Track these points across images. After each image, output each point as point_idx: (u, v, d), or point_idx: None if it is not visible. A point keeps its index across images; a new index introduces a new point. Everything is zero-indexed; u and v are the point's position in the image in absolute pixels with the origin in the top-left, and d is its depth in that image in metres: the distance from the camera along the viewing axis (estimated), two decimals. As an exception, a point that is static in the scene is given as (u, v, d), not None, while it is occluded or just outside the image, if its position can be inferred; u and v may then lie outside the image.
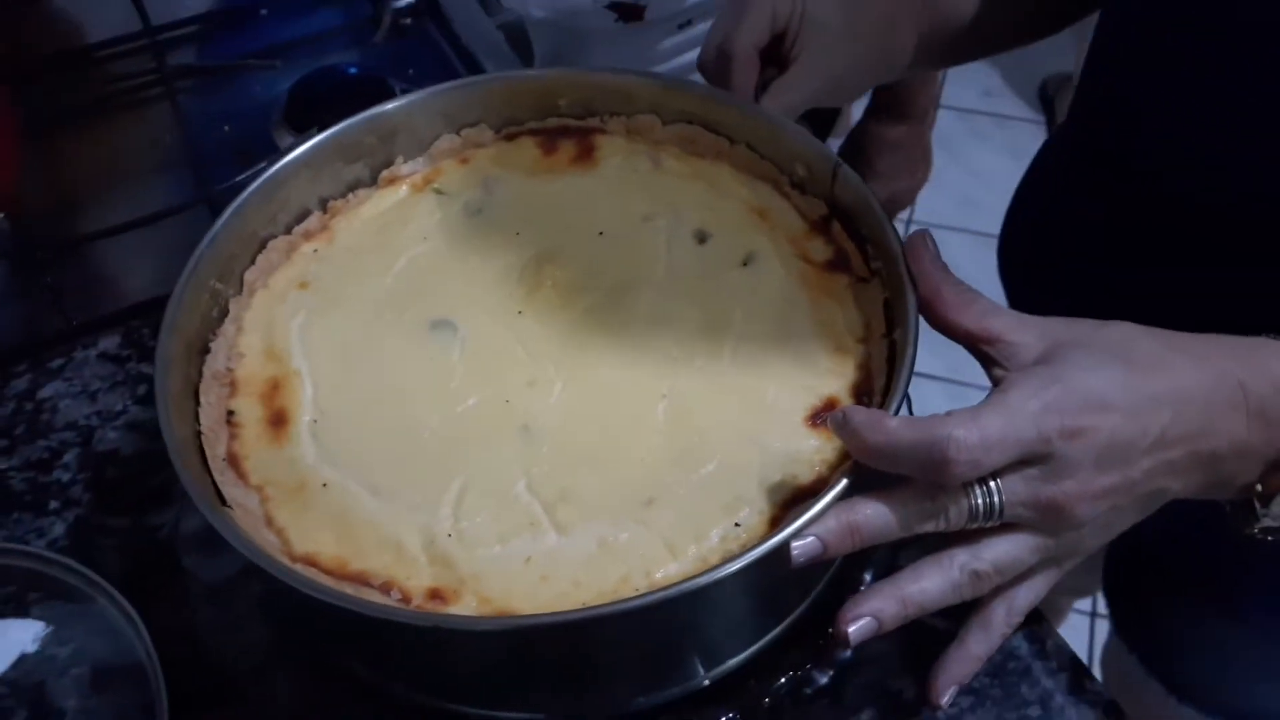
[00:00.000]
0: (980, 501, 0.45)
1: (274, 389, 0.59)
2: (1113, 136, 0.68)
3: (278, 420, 0.58)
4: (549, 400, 0.57)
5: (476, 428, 0.56)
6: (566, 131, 0.71)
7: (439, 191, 0.68)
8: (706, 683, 0.55)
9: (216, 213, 0.85)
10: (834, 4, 0.64)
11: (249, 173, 0.87)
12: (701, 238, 0.64)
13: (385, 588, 0.50)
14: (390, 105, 0.69)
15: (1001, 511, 0.45)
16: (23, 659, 0.58)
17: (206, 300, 0.61)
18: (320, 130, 0.89)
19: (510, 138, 0.71)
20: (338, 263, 0.65)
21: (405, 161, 0.70)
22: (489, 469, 0.54)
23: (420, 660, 0.54)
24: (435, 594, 0.50)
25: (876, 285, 0.59)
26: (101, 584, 0.60)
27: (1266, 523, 0.49)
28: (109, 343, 0.76)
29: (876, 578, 0.59)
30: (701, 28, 1.12)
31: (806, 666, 0.56)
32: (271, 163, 0.85)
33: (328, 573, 0.51)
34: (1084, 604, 1.67)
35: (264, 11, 1.08)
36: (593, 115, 0.71)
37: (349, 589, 0.50)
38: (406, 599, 0.50)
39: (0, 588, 0.63)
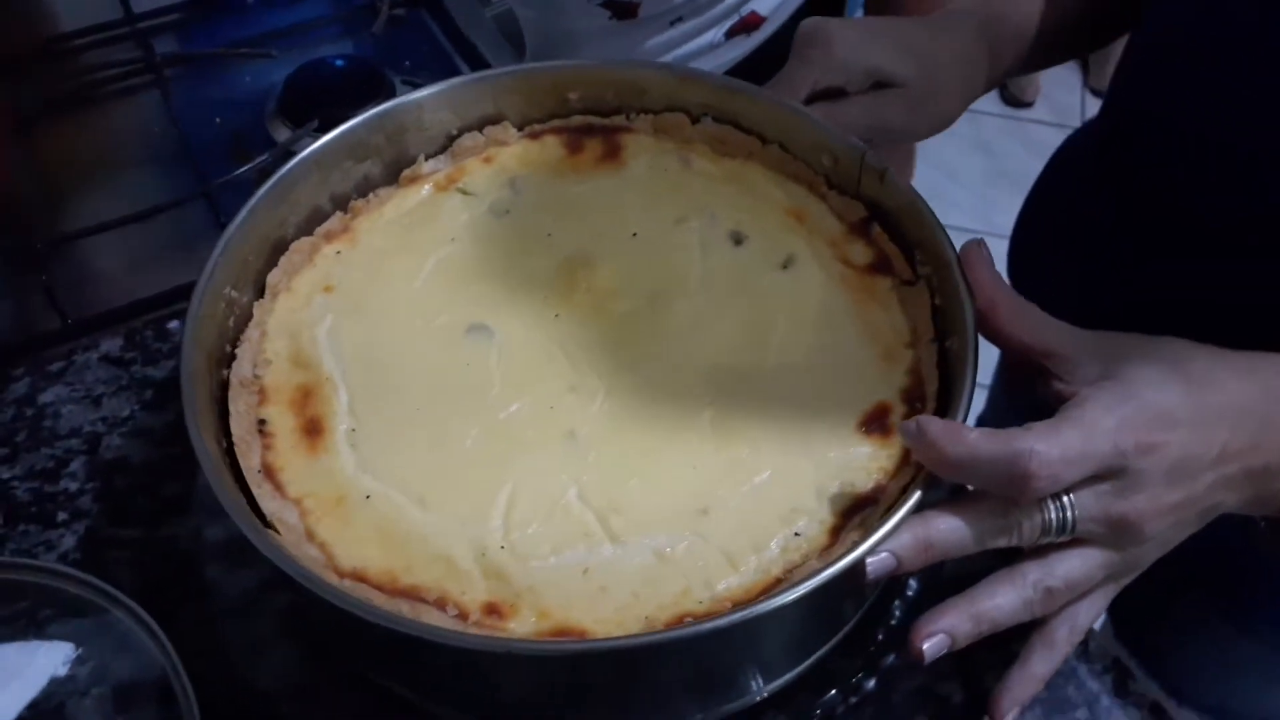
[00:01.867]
0: (1054, 516, 0.45)
1: (305, 396, 0.57)
2: (1140, 146, 0.68)
3: (312, 429, 0.56)
4: (593, 407, 0.56)
5: (520, 435, 0.55)
6: (591, 130, 0.69)
7: (464, 192, 0.67)
8: (761, 697, 0.54)
9: (215, 207, 0.84)
10: (910, 61, 0.64)
11: (249, 167, 0.85)
12: (738, 239, 0.63)
13: (440, 603, 0.49)
14: (398, 101, 0.67)
15: (1074, 527, 0.45)
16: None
17: (223, 309, 0.59)
18: (320, 124, 0.88)
19: (535, 136, 0.69)
20: (362, 265, 0.63)
21: (427, 160, 0.68)
22: (537, 478, 0.53)
23: (473, 681, 0.53)
24: (492, 609, 0.49)
25: (922, 289, 0.58)
26: (121, 598, 0.58)
27: None
28: (111, 345, 0.73)
29: (922, 585, 0.58)
30: (693, 23, 1.11)
31: (858, 675, 0.55)
32: (276, 160, 0.83)
33: (378, 588, 0.49)
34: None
35: (248, 0, 1.05)
36: (607, 109, 0.70)
37: (404, 606, 0.48)
38: (463, 615, 0.48)
39: (11, 605, 0.60)
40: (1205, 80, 0.61)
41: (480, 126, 0.69)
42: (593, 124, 0.69)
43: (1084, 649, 0.58)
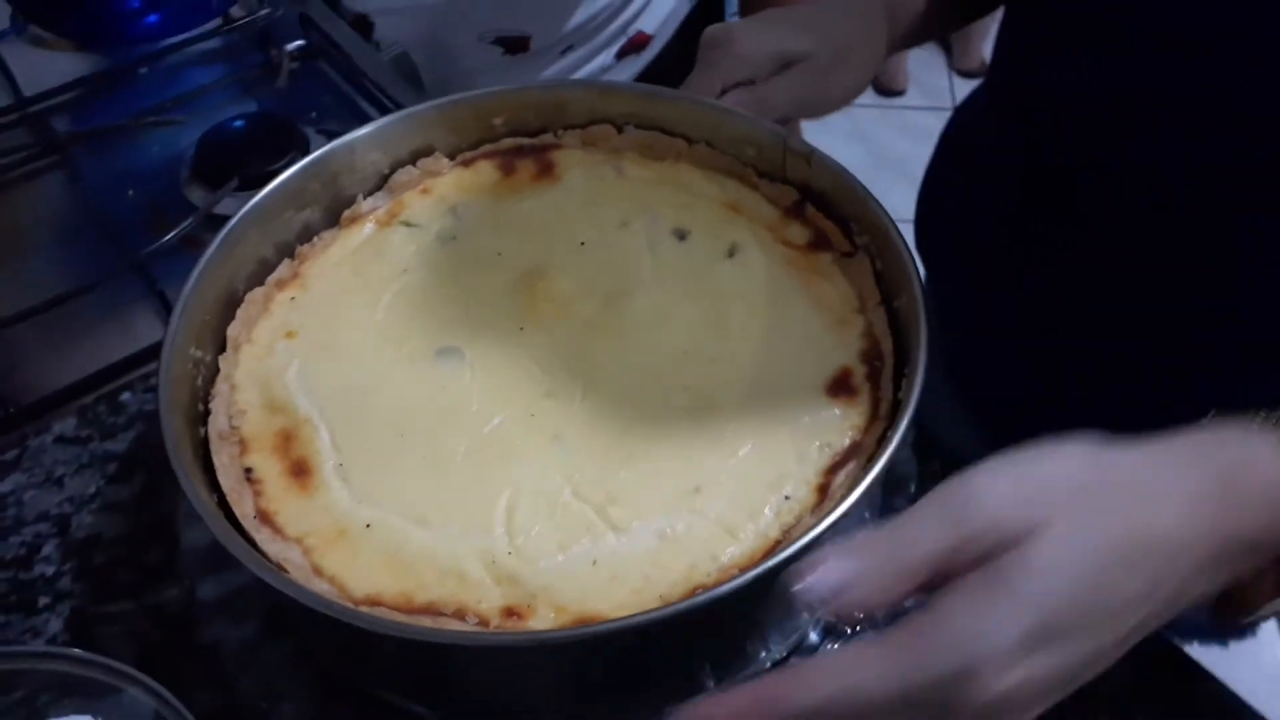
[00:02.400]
0: None
1: (286, 440, 0.57)
2: (1028, 109, 0.72)
3: (299, 471, 0.56)
4: (572, 409, 0.58)
5: (508, 445, 0.56)
6: (522, 151, 0.71)
7: (408, 224, 0.68)
8: (770, 664, 0.56)
9: (148, 277, 0.83)
10: (811, 36, 0.67)
11: (174, 234, 0.85)
12: (681, 235, 0.66)
13: (459, 614, 0.50)
14: (330, 147, 0.68)
15: None
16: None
17: (190, 369, 0.59)
18: (240, 182, 0.88)
19: (467, 164, 0.71)
20: (320, 307, 0.64)
21: (365, 198, 0.69)
22: (531, 482, 0.55)
23: (501, 687, 0.54)
24: (511, 612, 0.50)
25: (862, 258, 0.62)
26: (124, 669, 0.57)
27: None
28: (64, 425, 0.72)
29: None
30: (583, 50, 1.14)
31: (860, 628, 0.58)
32: (200, 223, 0.83)
33: (394, 609, 0.50)
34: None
35: (143, 70, 1.04)
36: (532, 130, 0.72)
37: (425, 621, 0.49)
38: (484, 622, 0.50)
39: (4, 696, 0.58)
40: (1077, 31, 0.65)
41: (413, 160, 0.70)
42: (522, 145, 0.72)
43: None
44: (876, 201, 0.60)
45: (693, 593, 0.50)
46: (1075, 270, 0.70)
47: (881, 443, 0.53)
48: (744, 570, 0.49)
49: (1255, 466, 0.43)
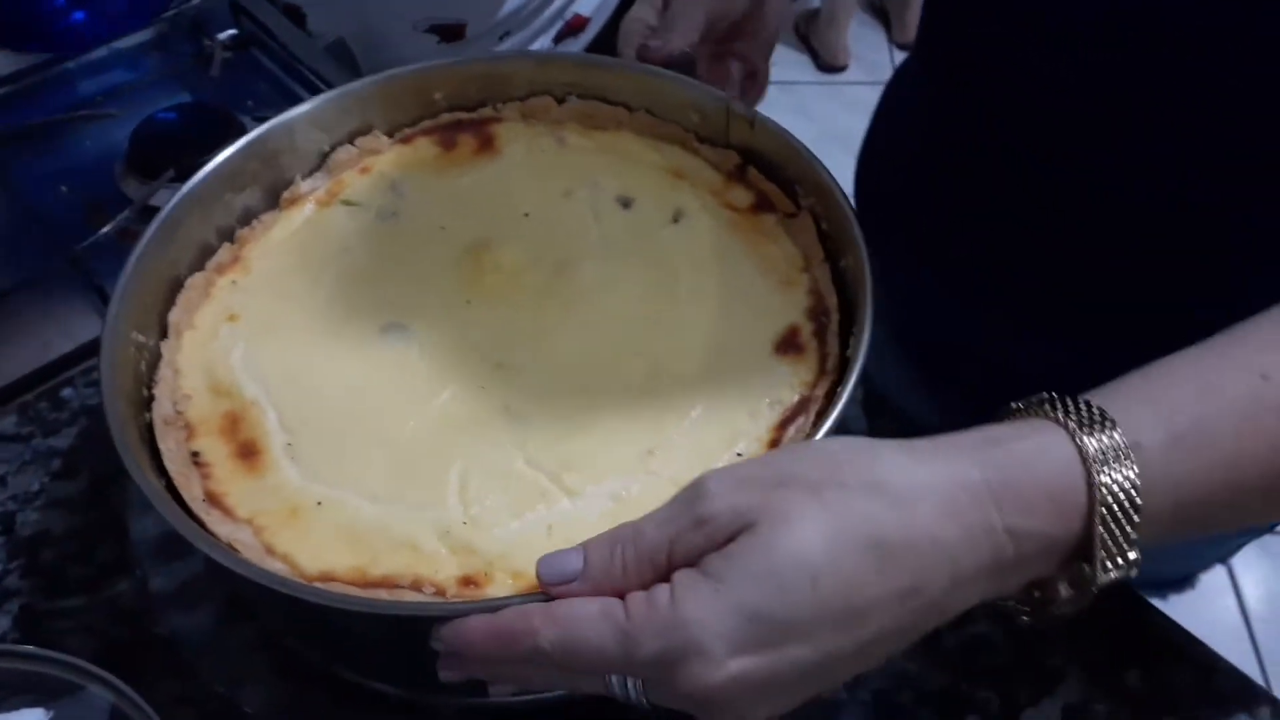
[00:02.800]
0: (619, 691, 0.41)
1: (233, 423, 0.57)
2: (954, 74, 0.73)
3: (247, 452, 0.55)
4: (523, 379, 0.58)
5: (458, 418, 0.56)
6: (461, 125, 0.71)
7: (348, 203, 0.67)
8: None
9: (85, 271, 0.81)
10: None
11: (110, 227, 0.84)
12: (625, 203, 0.66)
13: (415, 586, 0.50)
14: (268, 125, 0.67)
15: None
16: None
17: (134, 354, 0.58)
18: (176, 173, 0.87)
19: (406, 140, 0.70)
20: (261, 290, 0.63)
21: (304, 179, 0.68)
22: (483, 453, 0.55)
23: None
24: (467, 580, 0.50)
25: (805, 218, 0.62)
26: (82, 666, 0.56)
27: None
28: (4, 424, 0.70)
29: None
30: (520, 36, 1.14)
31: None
32: (137, 215, 0.82)
33: (350, 584, 0.50)
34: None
35: (71, 65, 1.02)
36: (472, 104, 0.71)
37: (382, 594, 0.49)
38: (441, 592, 0.49)
39: (-46, 698, 0.57)
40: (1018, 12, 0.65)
41: (351, 139, 0.70)
42: (461, 119, 0.71)
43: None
44: (820, 163, 0.60)
45: (650, 552, 0.50)
46: (1009, 232, 0.71)
47: (831, 398, 0.53)
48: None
49: (1036, 463, 0.40)
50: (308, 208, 0.67)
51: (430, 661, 0.45)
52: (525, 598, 0.48)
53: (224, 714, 0.56)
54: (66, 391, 0.72)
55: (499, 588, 0.50)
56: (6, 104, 0.99)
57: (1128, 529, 0.40)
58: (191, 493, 0.53)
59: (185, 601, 0.59)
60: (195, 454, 0.55)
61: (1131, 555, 0.40)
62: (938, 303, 0.80)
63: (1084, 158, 0.64)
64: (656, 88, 0.67)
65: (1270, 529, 0.82)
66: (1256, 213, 0.60)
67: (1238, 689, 0.58)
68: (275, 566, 0.51)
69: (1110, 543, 0.40)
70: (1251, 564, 1.67)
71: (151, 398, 0.57)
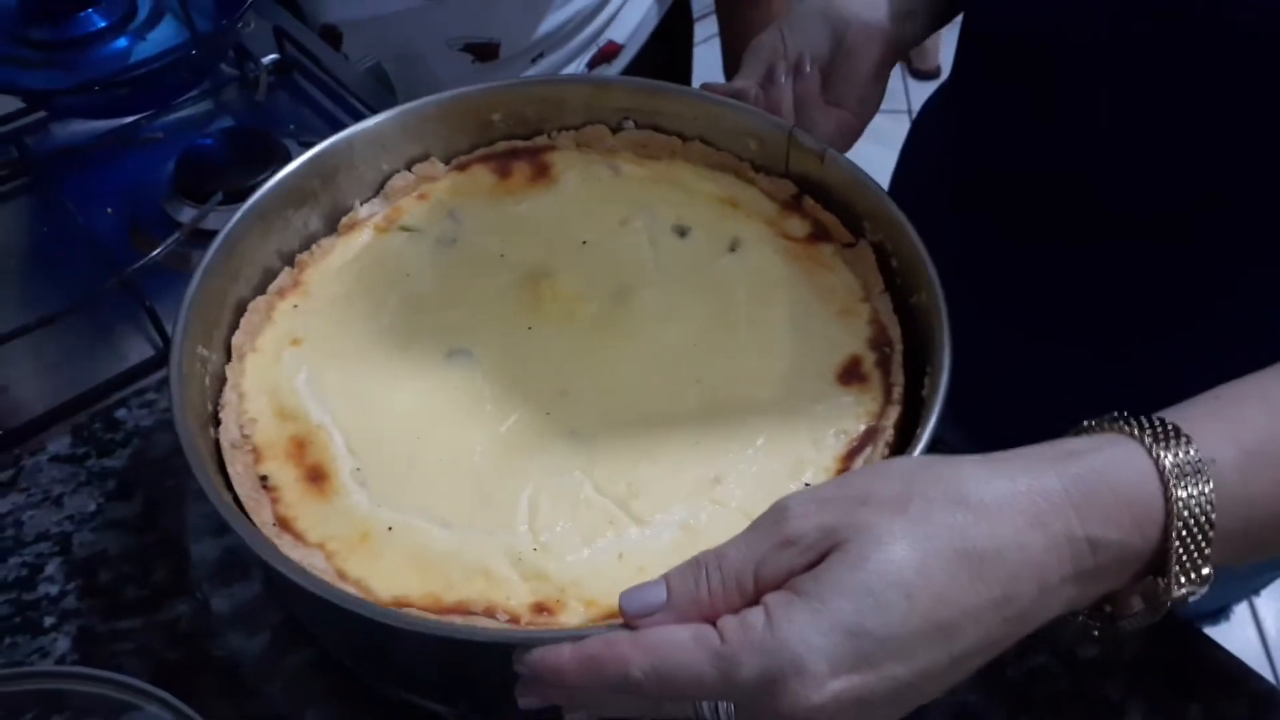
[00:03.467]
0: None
1: (300, 447, 0.57)
2: (989, 103, 0.74)
3: (316, 476, 0.56)
4: (586, 405, 0.58)
5: (525, 443, 0.57)
6: (517, 153, 0.72)
7: (406, 229, 0.68)
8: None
9: (138, 293, 0.82)
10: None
11: (161, 249, 0.84)
12: (681, 232, 0.66)
13: (488, 612, 0.50)
14: (328, 143, 0.68)
15: None
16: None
17: (199, 369, 0.59)
18: (224, 196, 0.87)
19: (462, 168, 0.71)
20: (324, 314, 0.64)
21: (362, 205, 0.69)
22: (551, 479, 0.55)
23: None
24: (540, 608, 0.50)
25: (865, 248, 0.63)
26: (142, 687, 0.56)
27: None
28: (59, 445, 0.71)
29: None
30: (553, 58, 1.15)
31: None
32: (187, 238, 0.83)
33: (425, 610, 0.50)
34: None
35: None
36: (528, 129, 0.72)
37: (456, 620, 0.49)
38: (515, 619, 0.50)
39: (15, 718, 0.57)
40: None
41: (408, 165, 0.70)
42: (517, 148, 0.72)
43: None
44: (889, 197, 0.61)
45: (720, 581, 0.50)
46: (1042, 258, 0.72)
47: (909, 430, 0.53)
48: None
49: (1114, 475, 0.40)
50: (366, 233, 0.68)
51: (499, 687, 0.45)
52: (609, 627, 0.48)
53: (287, 737, 0.56)
54: (120, 412, 0.73)
55: (571, 615, 0.50)
56: (37, 130, 1.00)
57: (1203, 544, 0.40)
58: (262, 517, 0.54)
59: (245, 624, 0.60)
60: (263, 478, 0.56)
61: (1205, 571, 0.41)
62: (974, 332, 0.81)
63: (1118, 185, 0.65)
64: (715, 114, 0.68)
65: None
66: None
67: (1297, 722, 0.58)
68: (348, 591, 0.51)
69: (1185, 558, 0.40)
70: (1273, 596, 1.67)
71: (217, 420, 0.58)
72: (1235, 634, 1.65)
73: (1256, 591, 1.29)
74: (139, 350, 0.78)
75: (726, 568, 0.41)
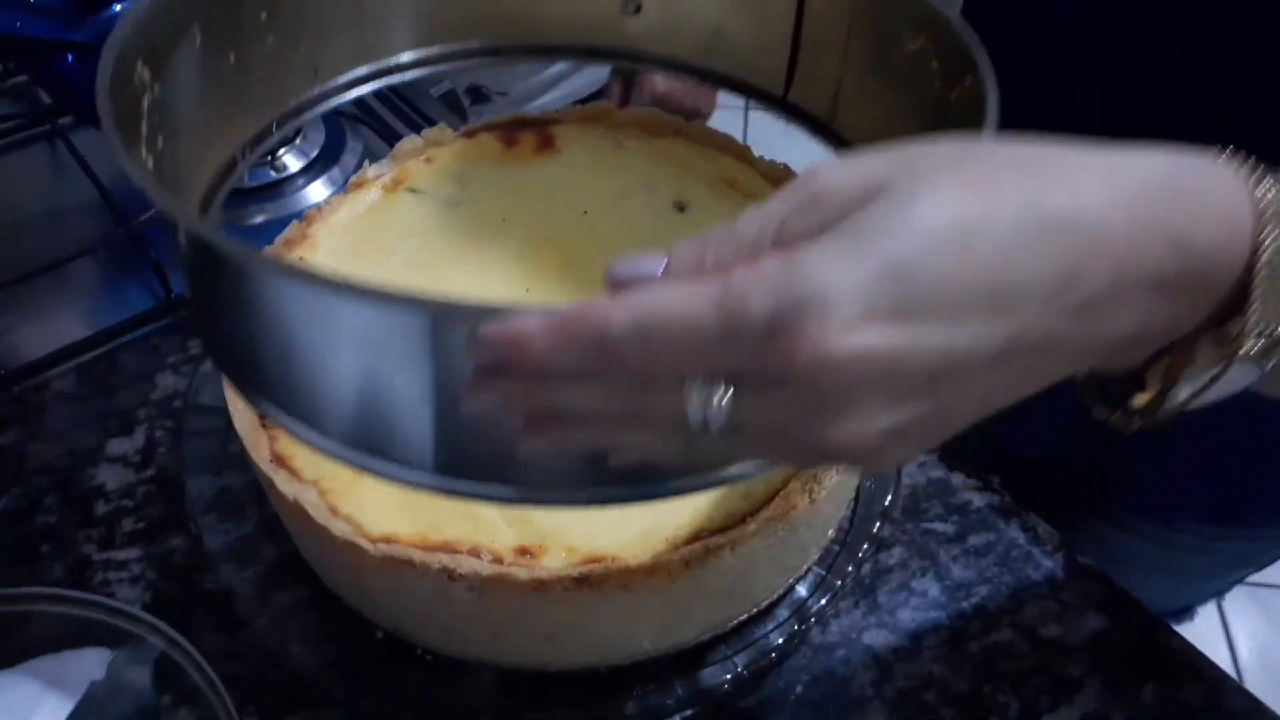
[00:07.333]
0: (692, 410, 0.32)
1: (300, 389, 0.59)
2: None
3: (314, 418, 0.58)
4: (579, 366, 0.60)
5: (517, 399, 0.58)
6: (524, 124, 0.74)
7: (413, 190, 0.70)
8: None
9: (142, 246, 0.84)
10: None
11: (170, 202, 0.85)
12: (680, 207, 0.68)
13: (473, 552, 0.52)
14: None
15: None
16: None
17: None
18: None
19: (470, 135, 0.73)
20: (329, 267, 0.65)
21: (370, 165, 0.71)
22: (541, 433, 0.57)
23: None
24: (523, 550, 0.52)
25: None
26: (134, 613, 0.58)
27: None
28: (62, 383, 0.73)
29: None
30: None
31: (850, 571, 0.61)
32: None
33: (412, 547, 0.52)
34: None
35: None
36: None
37: (443, 558, 0.51)
38: (498, 559, 0.51)
39: (10, 639, 0.59)
40: None
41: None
42: (524, 119, 0.74)
43: (1034, 534, 0.66)
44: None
45: (698, 536, 0.52)
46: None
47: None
48: (748, 517, 0.52)
49: (1204, 171, 0.34)
50: (373, 192, 0.70)
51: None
52: (585, 569, 0.50)
53: (271, 668, 0.58)
54: (122, 356, 0.74)
55: (553, 559, 0.52)
56: (74, 75, 1.01)
57: None
58: (260, 453, 0.55)
59: (239, 559, 0.61)
60: (263, 417, 0.57)
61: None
62: None
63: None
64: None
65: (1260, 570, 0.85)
66: None
67: (1248, 709, 0.60)
68: (340, 526, 0.53)
69: (1269, 301, 0.34)
70: (1244, 614, 1.70)
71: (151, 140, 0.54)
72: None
73: (1220, 594, 1.31)
74: (141, 301, 0.80)
75: (741, 230, 0.33)
